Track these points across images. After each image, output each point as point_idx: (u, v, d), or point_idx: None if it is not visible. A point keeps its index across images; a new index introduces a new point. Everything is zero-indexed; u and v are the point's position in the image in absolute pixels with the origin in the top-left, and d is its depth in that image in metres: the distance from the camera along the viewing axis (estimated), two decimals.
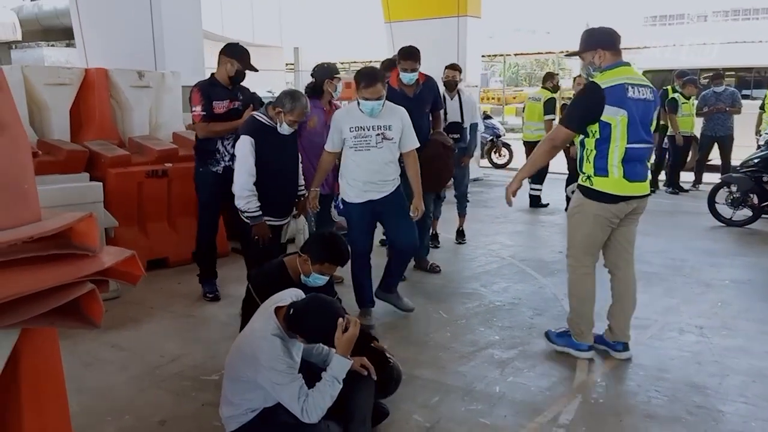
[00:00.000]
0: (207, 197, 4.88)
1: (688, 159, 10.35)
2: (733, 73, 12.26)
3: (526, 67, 48.30)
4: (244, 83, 4.86)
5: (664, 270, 5.72)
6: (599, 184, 3.59)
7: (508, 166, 13.06)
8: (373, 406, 2.90)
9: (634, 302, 3.86)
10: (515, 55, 31.08)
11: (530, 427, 3.04)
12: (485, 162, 12.96)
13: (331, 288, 3.59)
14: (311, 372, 2.70)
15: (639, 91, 3.52)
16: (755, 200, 7.39)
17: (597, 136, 3.54)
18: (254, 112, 4.24)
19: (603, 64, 3.59)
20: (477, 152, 11.74)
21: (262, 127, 4.08)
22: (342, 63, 29.17)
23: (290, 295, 2.78)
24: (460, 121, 6.29)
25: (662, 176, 10.26)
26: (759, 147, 7.73)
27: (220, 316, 4.56)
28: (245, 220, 4.07)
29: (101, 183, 5.16)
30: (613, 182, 3.56)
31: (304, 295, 2.81)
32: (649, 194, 3.73)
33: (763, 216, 7.38)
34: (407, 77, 5.05)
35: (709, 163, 10.24)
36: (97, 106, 5.86)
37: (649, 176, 3.73)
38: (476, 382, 3.52)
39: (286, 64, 26.72)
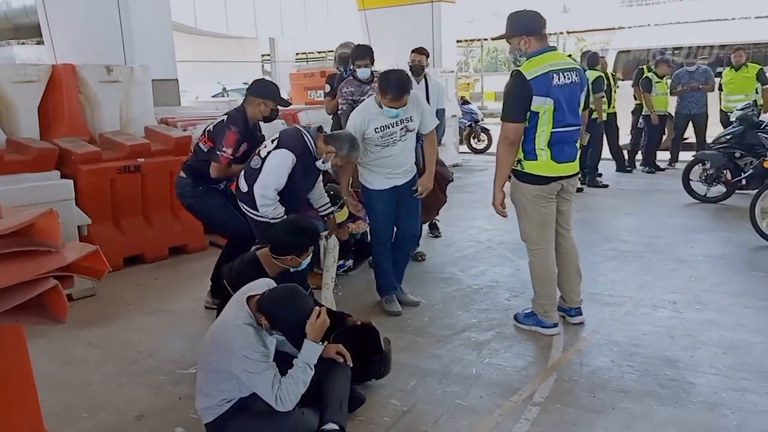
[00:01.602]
0: (225, 215, 4.36)
1: (664, 138, 10.45)
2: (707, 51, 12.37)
3: (505, 52, 48.37)
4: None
5: (639, 248, 5.79)
6: (529, 167, 3.75)
7: (487, 151, 13.09)
8: (350, 392, 2.92)
9: (578, 271, 4.05)
10: (493, 39, 31.04)
11: (505, 406, 3.08)
12: (464, 147, 12.97)
13: (304, 281, 3.56)
14: (286, 362, 2.71)
15: (565, 76, 3.62)
16: (728, 176, 7.48)
17: (526, 124, 3.67)
18: (302, 130, 3.98)
19: (528, 50, 3.67)
20: (455, 138, 11.78)
21: (307, 152, 3.88)
22: (319, 53, 29.07)
23: (262, 285, 2.78)
24: None
25: (638, 156, 10.35)
26: (731, 124, 7.81)
27: (197, 310, 4.55)
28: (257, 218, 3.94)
29: (72, 180, 5.11)
30: (542, 164, 3.71)
31: (275, 285, 2.82)
32: (577, 173, 3.90)
33: (737, 192, 7.47)
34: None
35: (684, 141, 10.34)
36: (66, 103, 5.78)
37: (577, 155, 3.85)
38: (453, 365, 3.55)
39: (263, 56, 26.55)
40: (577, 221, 4.25)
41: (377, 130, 4.09)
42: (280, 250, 3.26)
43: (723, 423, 2.87)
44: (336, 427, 2.69)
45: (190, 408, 2.99)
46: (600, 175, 9.04)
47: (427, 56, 6.38)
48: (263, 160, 3.86)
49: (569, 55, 8.24)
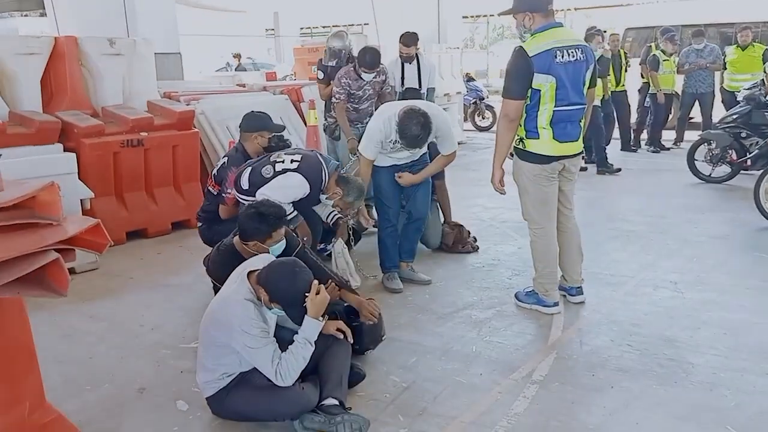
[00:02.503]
0: None
1: (670, 117, 10.37)
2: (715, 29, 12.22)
3: (511, 28, 47.82)
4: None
5: (643, 227, 5.78)
6: (531, 145, 3.72)
7: (491, 129, 13.02)
8: (350, 368, 2.94)
9: (580, 251, 4.05)
10: (499, 15, 30.67)
11: (505, 384, 3.09)
12: (468, 125, 12.90)
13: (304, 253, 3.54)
14: (287, 338, 2.72)
15: (569, 54, 3.57)
16: (734, 156, 7.42)
17: (527, 101, 3.63)
18: (324, 163, 4.00)
19: (533, 26, 3.62)
20: (459, 115, 11.72)
21: (318, 185, 3.93)
22: (324, 27, 28.80)
23: (262, 260, 2.78)
24: (417, 87, 6.31)
25: (644, 135, 10.28)
26: (737, 103, 7.74)
27: (200, 285, 4.55)
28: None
29: (74, 154, 5.11)
30: (544, 143, 3.68)
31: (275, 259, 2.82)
32: (580, 153, 3.86)
33: (742, 172, 7.42)
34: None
35: (690, 120, 10.26)
36: (68, 76, 5.73)
37: (581, 135, 3.80)
38: (453, 343, 3.56)
39: (266, 30, 26.32)
40: (580, 200, 4.24)
41: (391, 142, 4.09)
42: (244, 236, 3.19)
43: (721, 403, 2.89)
44: (336, 402, 2.71)
45: (191, 382, 3.02)
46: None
47: (417, 42, 6.33)
48: (275, 173, 3.85)
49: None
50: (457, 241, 5.14)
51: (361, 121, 5.83)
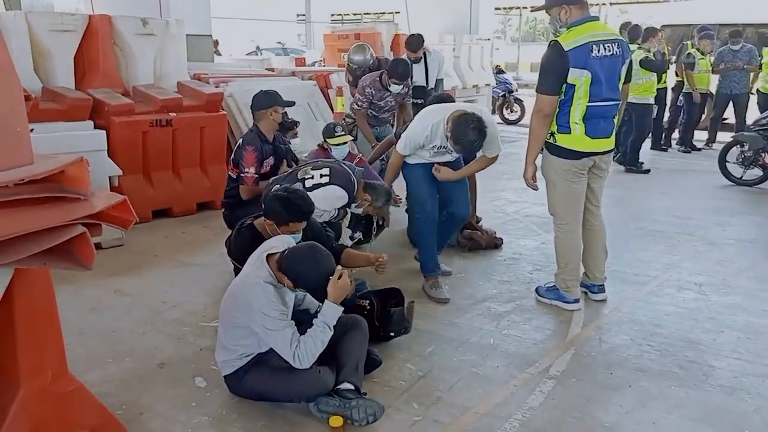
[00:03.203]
0: None
1: (703, 117, 10.17)
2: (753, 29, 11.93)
3: (544, 21, 47.28)
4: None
5: (669, 228, 5.70)
6: (562, 140, 3.67)
7: (519, 123, 12.91)
8: (366, 354, 2.95)
9: (604, 249, 4.00)
10: (532, 10, 30.35)
11: (521, 378, 3.09)
12: (496, 117, 12.80)
13: (328, 239, 3.59)
14: (303, 321, 2.74)
15: (605, 48, 3.51)
16: (767, 159, 7.28)
17: (561, 96, 3.58)
18: (351, 171, 4.02)
19: (569, 20, 3.57)
20: (487, 108, 11.63)
21: (353, 193, 3.98)
22: (354, 14, 28.74)
23: (282, 242, 2.80)
24: (424, 84, 6.30)
25: (675, 134, 10.11)
26: None
27: (222, 265, 4.59)
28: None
29: (105, 131, 5.18)
30: (575, 139, 3.63)
31: (294, 243, 2.84)
32: (612, 150, 3.80)
33: None
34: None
35: (724, 121, 10.06)
36: (101, 54, 5.81)
37: (614, 131, 3.74)
38: (471, 334, 3.56)
39: (298, 15, 26.33)
40: (607, 198, 4.18)
41: (434, 147, 4.02)
42: (265, 211, 3.28)
43: (740, 407, 2.85)
44: (352, 387, 2.73)
45: (210, 359, 3.06)
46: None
47: (422, 44, 6.36)
48: (307, 189, 3.78)
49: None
50: (475, 247, 5.03)
51: (378, 125, 5.81)
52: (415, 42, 6.33)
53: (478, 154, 4.19)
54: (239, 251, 3.29)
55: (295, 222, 3.21)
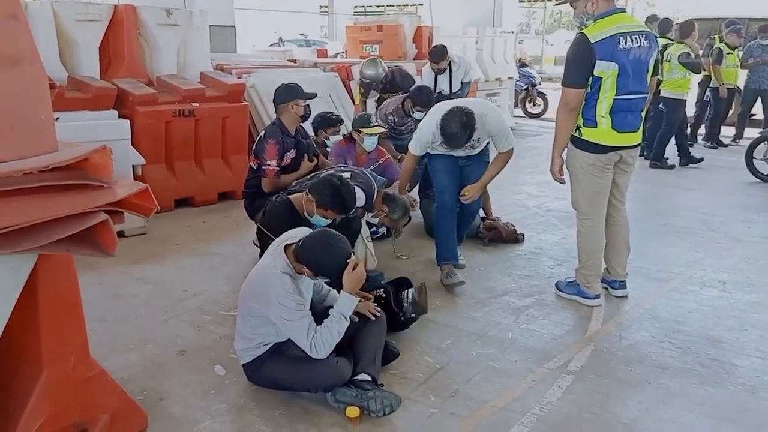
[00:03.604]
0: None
1: (730, 112, 9.99)
2: None
3: (569, 14, 46.70)
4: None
5: (694, 224, 5.61)
6: (588, 134, 3.62)
7: (542, 117, 12.79)
8: (384, 346, 2.96)
9: (627, 245, 3.95)
10: (556, 4, 30.03)
11: (539, 373, 3.07)
12: (519, 111, 12.70)
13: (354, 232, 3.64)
14: (320, 312, 2.76)
15: (632, 40, 3.45)
16: None
17: (587, 89, 3.53)
18: (372, 179, 4.04)
19: (596, 11, 3.51)
20: (509, 101, 11.55)
21: (371, 198, 3.98)
22: (377, 6, 28.66)
23: (300, 234, 2.81)
24: (448, 92, 6.24)
25: (702, 129, 9.94)
26: None
27: (242, 255, 4.64)
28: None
29: (128, 121, 5.23)
30: (601, 132, 3.57)
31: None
32: (639, 144, 3.73)
33: None
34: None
35: (751, 117, 9.88)
36: (126, 44, 5.87)
37: (641, 125, 3.67)
38: (489, 328, 3.54)
39: (321, 7, 26.32)
40: (632, 193, 4.13)
41: (441, 144, 3.99)
42: (311, 187, 3.38)
43: (762, 406, 2.80)
44: (369, 378, 2.74)
45: (229, 348, 3.09)
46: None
47: (445, 55, 6.23)
48: None
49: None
50: (496, 239, 5.01)
51: (395, 139, 5.70)
52: (438, 53, 6.19)
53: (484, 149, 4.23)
54: (271, 221, 3.44)
55: (334, 211, 3.34)
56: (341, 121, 5.43)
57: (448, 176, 4.17)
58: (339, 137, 5.15)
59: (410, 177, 4.43)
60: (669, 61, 7.78)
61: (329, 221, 3.38)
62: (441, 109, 3.93)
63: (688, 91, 8.12)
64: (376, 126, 4.78)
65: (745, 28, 10.32)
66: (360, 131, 4.76)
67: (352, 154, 4.87)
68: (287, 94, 4.38)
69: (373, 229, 4.68)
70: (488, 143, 4.26)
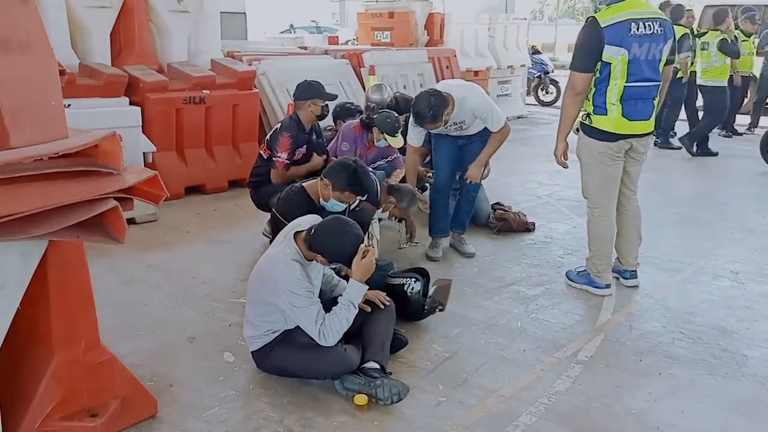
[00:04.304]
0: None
1: (745, 101, 9.87)
2: None
3: (584, 0, 46.20)
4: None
5: (707, 214, 5.57)
6: (598, 121, 3.58)
7: (554, 105, 12.69)
8: (393, 334, 2.96)
9: (639, 234, 3.92)
10: None
11: (548, 362, 3.06)
12: (531, 99, 12.61)
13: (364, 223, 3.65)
14: (327, 302, 2.76)
15: (645, 26, 3.40)
16: None
17: (597, 75, 3.49)
18: (374, 174, 4.05)
19: None
20: (522, 89, 11.47)
21: (375, 193, 3.99)
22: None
23: (308, 221, 2.81)
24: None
25: None
26: None
27: (252, 242, 4.65)
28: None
29: (139, 108, 5.24)
30: (612, 120, 3.54)
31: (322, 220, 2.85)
32: (650, 133, 3.69)
33: None
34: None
35: (767, 105, 9.75)
36: (137, 31, 5.86)
37: (654, 114, 3.63)
38: (498, 317, 3.54)
39: None
40: (644, 182, 4.08)
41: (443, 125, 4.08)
42: (327, 171, 3.42)
43: None
44: (377, 366, 2.74)
45: (238, 335, 3.10)
46: (674, 135, 8.66)
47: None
48: None
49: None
50: (506, 229, 4.98)
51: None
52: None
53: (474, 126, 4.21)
54: (285, 207, 3.48)
55: (351, 192, 3.39)
56: (361, 112, 5.40)
57: (445, 157, 4.36)
58: (356, 121, 5.06)
59: (416, 173, 4.51)
60: (706, 50, 7.73)
61: (344, 206, 3.43)
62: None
63: (727, 77, 8.08)
64: (398, 138, 4.71)
65: (761, 14, 10.18)
66: (382, 132, 4.70)
67: (363, 141, 4.85)
68: (307, 92, 4.40)
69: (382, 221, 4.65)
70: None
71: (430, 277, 3.51)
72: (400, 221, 4.38)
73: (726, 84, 8.08)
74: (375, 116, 4.78)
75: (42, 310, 2.21)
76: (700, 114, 9.72)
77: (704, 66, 7.85)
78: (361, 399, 2.62)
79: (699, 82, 7.95)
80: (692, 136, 8.18)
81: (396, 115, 4.81)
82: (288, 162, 4.31)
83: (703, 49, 7.83)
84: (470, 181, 4.28)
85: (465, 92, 4.08)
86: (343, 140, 4.89)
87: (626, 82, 3.46)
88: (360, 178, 3.39)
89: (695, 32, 8.87)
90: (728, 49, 7.73)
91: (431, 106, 3.90)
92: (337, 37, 12.49)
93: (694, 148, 8.14)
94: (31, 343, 2.30)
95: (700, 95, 8.92)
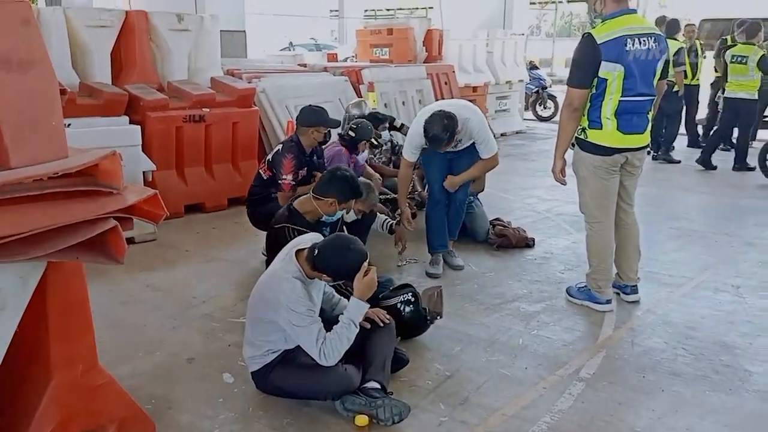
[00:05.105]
0: None
1: None
2: None
3: (580, 16, 46.43)
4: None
5: (706, 228, 5.56)
6: (593, 136, 3.61)
7: (552, 119, 12.73)
8: (394, 352, 2.94)
9: (638, 248, 3.92)
10: (569, 1, 30.02)
11: (550, 380, 3.04)
12: (529, 114, 12.65)
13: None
14: (327, 321, 2.74)
15: (640, 42, 3.43)
16: None
17: (593, 90, 3.51)
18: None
19: (604, 12, 3.50)
20: (520, 104, 11.52)
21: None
22: (388, 10, 28.69)
23: (310, 239, 2.80)
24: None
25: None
26: None
27: (252, 261, 4.64)
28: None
29: (139, 126, 5.25)
30: (607, 134, 3.56)
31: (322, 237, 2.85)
32: (645, 146, 3.71)
33: None
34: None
35: (765, 119, 9.76)
36: (137, 50, 5.89)
37: (648, 127, 3.66)
38: (500, 334, 3.52)
39: (331, 11, 26.40)
40: (642, 196, 4.10)
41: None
42: (322, 188, 3.45)
43: None
44: (378, 385, 2.71)
45: (238, 355, 3.08)
46: (673, 149, 8.69)
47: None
48: None
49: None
50: (505, 245, 4.96)
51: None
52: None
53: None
54: (281, 234, 3.45)
55: (353, 199, 3.51)
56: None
57: (436, 169, 4.40)
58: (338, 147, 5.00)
59: (408, 185, 4.56)
60: (743, 64, 7.76)
61: (339, 216, 3.59)
62: (425, 113, 4.14)
63: (757, 89, 8.13)
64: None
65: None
66: (367, 141, 4.90)
67: (350, 159, 4.94)
68: (312, 118, 4.44)
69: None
70: None
71: (416, 292, 3.47)
72: (391, 233, 4.35)
73: (756, 97, 8.11)
74: (352, 128, 4.89)
75: (40, 331, 2.20)
76: (699, 128, 9.80)
77: (741, 80, 7.89)
78: (362, 420, 2.60)
79: (731, 95, 7.98)
80: (737, 156, 8.19)
81: (367, 120, 5.03)
82: (294, 183, 4.35)
83: (737, 62, 7.86)
84: (448, 187, 4.35)
85: (468, 113, 4.17)
86: (328, 155, 4.91)
87: (621, 96, 3.48)
88: (354, 183, 3.51)
89: (700, 45, 8.92)
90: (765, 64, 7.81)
91: (447, 129, 3.95)
92: (336, 54, 12.55)
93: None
94: (30, 364, 2.28)
95: (694, 105, 9.02)
